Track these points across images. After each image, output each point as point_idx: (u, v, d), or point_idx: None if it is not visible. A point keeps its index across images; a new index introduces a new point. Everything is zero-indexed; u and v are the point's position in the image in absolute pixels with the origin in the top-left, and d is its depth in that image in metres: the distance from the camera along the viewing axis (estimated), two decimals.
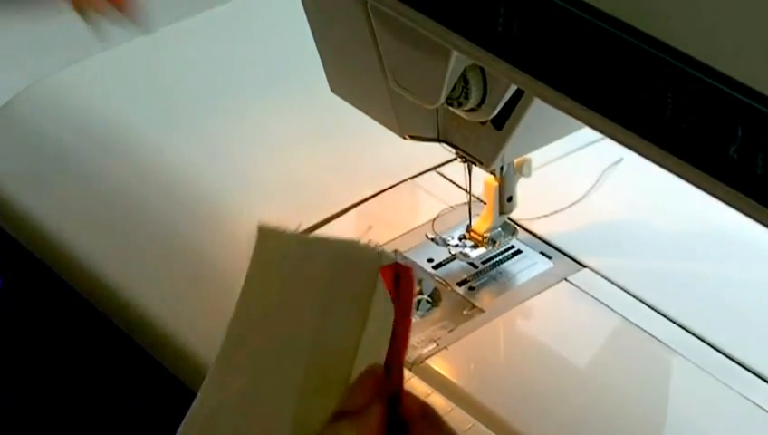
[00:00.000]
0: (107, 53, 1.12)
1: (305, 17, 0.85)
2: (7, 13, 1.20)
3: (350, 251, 0.57)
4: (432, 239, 0.94)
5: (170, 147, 1.05)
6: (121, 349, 0.93)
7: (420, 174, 1.02)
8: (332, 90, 0.89)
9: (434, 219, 0.96)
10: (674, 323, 0.87)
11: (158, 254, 0.96)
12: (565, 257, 0.93)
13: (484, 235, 0.93)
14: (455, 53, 0.73)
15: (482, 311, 0.89)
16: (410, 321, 0.57)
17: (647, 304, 0.89)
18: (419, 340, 0.86)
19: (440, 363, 0.85)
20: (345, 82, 0.88)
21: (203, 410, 0.56)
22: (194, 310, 0.90)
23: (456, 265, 0.93)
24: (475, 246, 0.93)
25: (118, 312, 0.93)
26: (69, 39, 1.12)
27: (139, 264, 0.95)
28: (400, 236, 0.95)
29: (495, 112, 0.78)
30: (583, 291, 0.90)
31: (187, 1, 1.21)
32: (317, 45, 0.86)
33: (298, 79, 1.08)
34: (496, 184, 0.89)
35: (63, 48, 1.11)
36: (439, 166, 1.02)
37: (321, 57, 0.87)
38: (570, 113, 0.60)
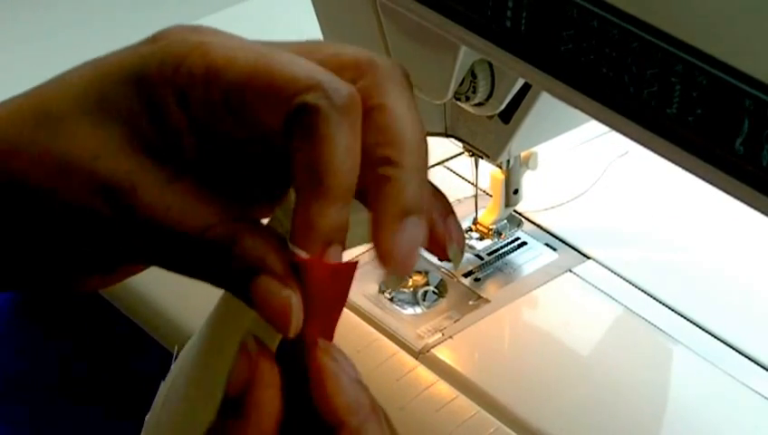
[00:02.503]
0: None
1: (314, 15, 0.86)
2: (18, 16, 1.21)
3: None
4: None
5: None
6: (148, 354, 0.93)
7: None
8: None
9: None
10: (678, 314, 0.88)
11: None
12: (570, 249, 0.94)
13: (490, 227, 0.94)
14: (463, 48, 0.74)
15: (487, 301, 0.90)
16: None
17: (651, 296, 0.90)
18: (426, 330, 0.87)
19: (446, 353, 0.86)
20: None
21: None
22: None
23: None
24: (481, 238, 0.94)
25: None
26: (80, 41, 1.12)
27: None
28: None
29: (503, 106, 0.79)
30: (588, 282, 0.91)
31: (196, 2, 1.22)
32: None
33: None
34: (503, 177, 0.90)
35: (75, 49, 1.11)
36: (446, 160, 1.03)
37: None
38: (576, 106, 0.60)
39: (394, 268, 0.40)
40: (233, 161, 0.44)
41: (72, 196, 0.42)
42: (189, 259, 0.42)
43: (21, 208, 0.43)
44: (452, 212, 0.46)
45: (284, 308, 0.40)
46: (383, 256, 0.40)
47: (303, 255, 0.40)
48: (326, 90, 0.40)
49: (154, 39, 0.43)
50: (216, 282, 0.42)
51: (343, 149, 0.40)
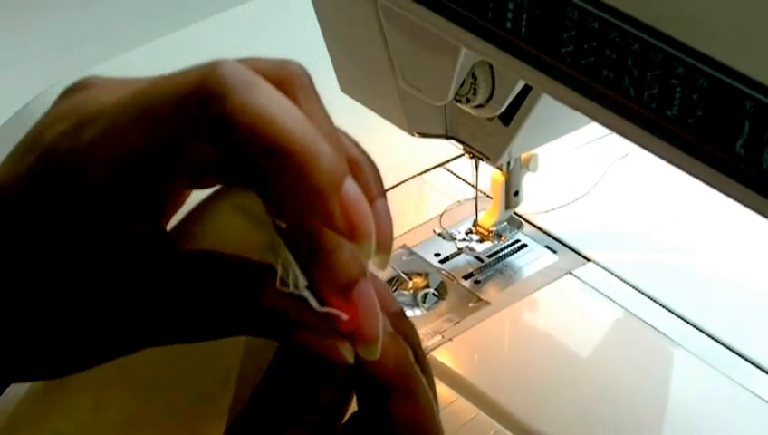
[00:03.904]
0: (122, 56, 1.13)
1: (315, 18, 0.86)
2: (20, 16, 1.21)
3: None
4: (439, 234, 0.95)
5: None
6: None
7: (428, 170, 1.03)
8: (342, 90, 0.89)
9: (441, 214, 0.97)
10: (677, 316, 0.88)
11: None
12: (570, 251, 0.94)
13: (491, 229, 0.94)
14: (463, 50, 0.74)
15: (487, 304, 0.90)
16: None
17: (650, 298, 0.90)
18: (425, 332, 0.87)
19: (445, 355, 0.86)
20: (355, 81, 0.88)
21: None
22: None
23: (462, 258, 0.94)
24: (481, 241, 0.94)
25: None
26: (83, 42, 1.12)
27: None
28: (409, 231, 0.96)
29: (503, 108, 0.79)
30: (588, 284, 0.91)
31: (197, 4, 1.22)
32: (327, 45, 0.87)
33: None
34: (503, 179, 0.90)
35: (78, 51, 1.11)
36: (447, 162, 1.03)
37: (331, 57, 0.88)
38: (577, 108, 0.60)
39: (360, 233, 0.39)
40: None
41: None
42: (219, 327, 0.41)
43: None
44: (382, 194, 0.43)
45: (337, 355, 0.41)
46: (341, 226, 0.39)
47: (344, 317, 0.40)
48: (219, 84, 0.38)
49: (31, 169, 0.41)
50: (257, 334, 0.42)
51: (279, 110, 0.38)
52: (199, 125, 0.38)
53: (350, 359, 0.41)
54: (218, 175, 0.42)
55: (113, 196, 0.40)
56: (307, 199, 0.38)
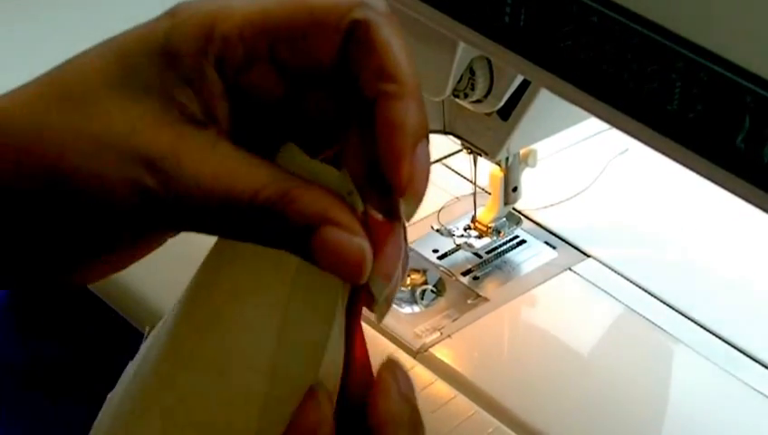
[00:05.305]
0: None
1: None
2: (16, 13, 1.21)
3: None
4: (437, 230, 0.95)
5: None
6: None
7: None
8: None
9: (439, 210, 0.97)
10: (677, 311, 0.88)
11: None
12: (569, 247, 0.94)
13: (489, 225, 0.93)
14: (461, 45, 0.74)
15: (486, 300, 0.90)
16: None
17: (650, 294, 0.90)
18: (424, 329, 0.87)
19: (444, 352, 0.85)
20: None
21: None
22: None
23: (460, 255, 0.94)
24: (479, 237, 0.94)
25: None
26: (73, 41, 1.12)
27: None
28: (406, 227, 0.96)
29: (502, 103, 0.79)
30: (587, 280, 0.91)
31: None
32: None
33: None
34: (501, 175, 0.90)
35: (71, 49, 1.11)
36: (445, 157, 1.03)
37: None
38: (576, 103, 0.60)
39: (414, 193, 0.40)
40: (265, 122, 0.44)
41: (111, 172, 0.41)
42: (239, 222, 0.41)
43: (51, 193, 0.41)
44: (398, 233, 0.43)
45: (356, 256, 0.40)
46: (403, 185, 0.40)
47: (379, 217, 0.40)
48: (366, 3, 0.42)
49: (171, 14, 0.43)
50: (268, 242, 0.41)
51: (405, 50, 0.41)
52: (343, 21, 0.41)
53: (364, 276, 0.40)
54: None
55: (235, 59, 0.41)
56: (393, 134, 0.40)
